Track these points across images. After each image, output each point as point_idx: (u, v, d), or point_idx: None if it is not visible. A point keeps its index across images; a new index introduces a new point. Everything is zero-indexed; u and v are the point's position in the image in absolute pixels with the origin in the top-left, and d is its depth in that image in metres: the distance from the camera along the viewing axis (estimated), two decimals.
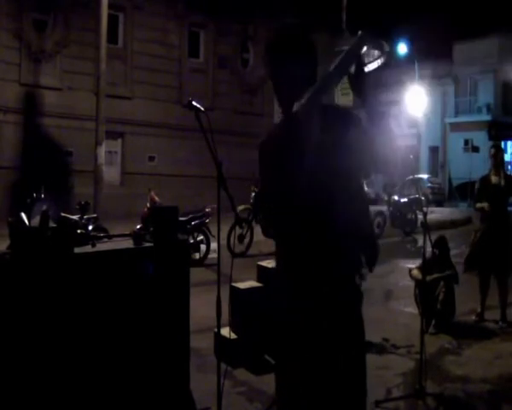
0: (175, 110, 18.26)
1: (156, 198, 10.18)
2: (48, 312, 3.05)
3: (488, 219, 6.40)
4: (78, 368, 3.15)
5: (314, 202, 2.15)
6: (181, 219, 8.74)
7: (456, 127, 33.44)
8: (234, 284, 4.97)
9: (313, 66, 2.41)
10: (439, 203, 26.70)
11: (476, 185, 6.66)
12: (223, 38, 21.19)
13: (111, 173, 17.54)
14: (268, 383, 4.29)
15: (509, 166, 29.28)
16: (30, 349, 2.99)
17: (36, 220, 3.12)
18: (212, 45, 21.11)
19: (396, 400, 4.21)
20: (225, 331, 4.70)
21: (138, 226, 3.68)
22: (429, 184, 28.39)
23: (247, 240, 10.97)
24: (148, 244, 3.58)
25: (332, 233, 2.18)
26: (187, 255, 4.21)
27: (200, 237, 9.99)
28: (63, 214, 3.41)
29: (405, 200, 14.76)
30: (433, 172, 33.60)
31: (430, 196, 25.35)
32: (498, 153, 6.58)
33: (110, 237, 3.90)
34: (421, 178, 27.55)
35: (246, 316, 4.94)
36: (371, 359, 5.09)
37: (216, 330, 3.32)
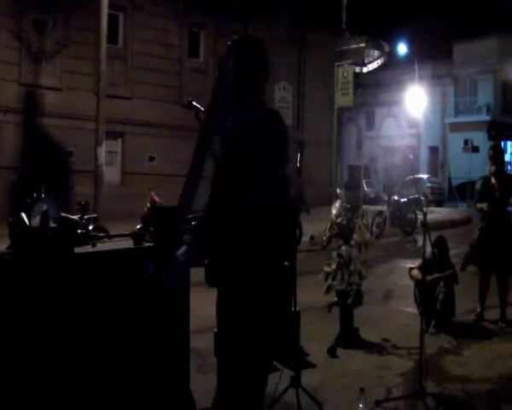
0: (175, 110, 18.25)
1: (156, 198, 10.16)
2: (48, 312, 3.05)
3: (488, 219, 6.40)
4: (77, 368, 3.15)
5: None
6: None
7: (455, 127, 33.44)
8: None
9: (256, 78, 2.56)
10: (439, 203, 26.72)
11: (476, 186, 6.67)
12: (223, 38, 21.16)
13: (111, 173, 17.53)
14: (268, 383, 4.30)
15: (509, 166, 29.28)
16: (30, 349, 2.99)
17: (36, 220, 3.12)
18: (212, 45, 21.09)
19: (396, 400, 4.21)
20: None
21: (138, 226, 3.68)
22: (429, 184, 28.42)
23: None
24: (148, 244, 3.58)
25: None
26: None
27: None
28: (63, 214, 3.41)
29: (405, 200, 14.77)
30: (432, 172, 33.62)
31: (430, 196, 25.39)
32: (498, 154, 6.58)
33: (110, 237, 3.89)
34: (421, 178, 27.56)
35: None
36: (371, 359, 5.12)
37: (216, 330, 3.31)
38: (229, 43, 2.59)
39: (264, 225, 2.39)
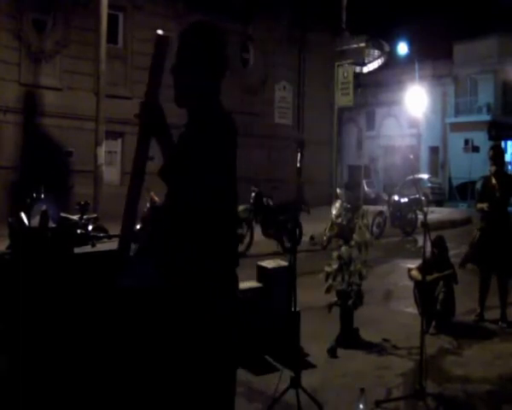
0: (175, 110, 18.18)
1: (156, 198, 10.16)
2: (47, 312, 3.04)
3: (488, 220, 6.40)
4: (77, 369, 3.15)
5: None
6: None
7: (456, 127, 33.42)
8: None
9: (212, 68, 2.56)
10: (439, 203, 26.70)
11: (477, 186, 6.69)
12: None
13: (111, 173, 17.51)
14: (268, 383, 4.29)
15: (509, 166, 29.27)
16: (29, 348, 2.99)
17: (36, 220, 3.12)
18: None
19: (396, 400, 4.21)
20: None
21: (138, 226, 3.67)
22: (429, 184, 28.41)
23: (247, 240, 10.96)
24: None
25: None
26: None
27: None
28: (63, 214, 3.42)
29: (405, 200, 14.75)
30: (433, 172, 33.60)
31: (430, 196, 25.39)
32: (498, 154, 6.58)
33: (110, 237, 3.90)
34: (421, 179, 27.56)
35: (246, 316, 4.93)
36: (371, 359, 5.12)
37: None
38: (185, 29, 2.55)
39: (226, 210, 2.41)
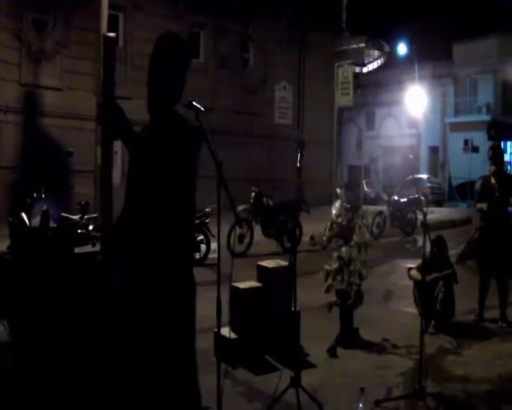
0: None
1: None
2: (48, 312, 3.05)
3: (488, 219, 6.40)
4: (77, 368, 3.15)
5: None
6: None
7: (455, 127, 33.42)
8: (234, 284, 4.98)
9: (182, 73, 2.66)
10: (439, 203, 26.71)
11: (476, 186, 6.68)
12: (223, 38, 21.17)
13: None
14: (268, 383, 4.30)
15: (509, 166, 29.28)
16: (29, 347, 2.99)
17: (36, 220, 3.12)
18: (212, 45, 21.08)
19: (396, 399, 4.21)
20: (225, 331, 4.71)
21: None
22: (429, 184, 28.41)
23: (247, 240, 10.97)
24: None
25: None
26: None
27: (200, 237, 9.98)
28: (64, 214, 3.42)
29: (405, 200, 14.75)
30: (432, 172, 33.61)
31: (430, 196, 25.39)
32: (497, 154, 6.58)
33: None
34: (420, 178, 27.56)
35: (246, 316, 4.94)
36: (371, 359, 5.13)
37: (216, 330, 3.32)
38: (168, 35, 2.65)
39: (188, 212, 2.47)
